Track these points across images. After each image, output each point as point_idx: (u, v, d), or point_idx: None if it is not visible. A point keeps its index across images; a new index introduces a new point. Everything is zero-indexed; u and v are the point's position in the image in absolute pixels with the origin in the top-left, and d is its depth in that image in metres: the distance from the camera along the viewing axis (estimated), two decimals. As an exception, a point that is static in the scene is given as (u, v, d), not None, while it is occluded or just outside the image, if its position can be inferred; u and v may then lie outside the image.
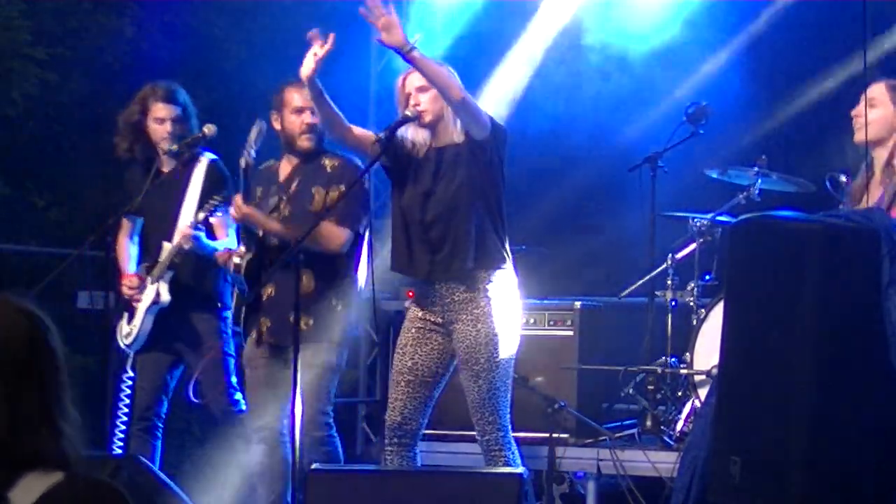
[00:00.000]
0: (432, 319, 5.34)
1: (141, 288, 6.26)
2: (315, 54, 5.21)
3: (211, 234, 6.20)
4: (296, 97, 5.84)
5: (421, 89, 5.30)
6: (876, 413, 4.30)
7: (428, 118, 5.31)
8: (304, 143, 5.92)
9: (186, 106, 6.33)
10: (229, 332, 6.29)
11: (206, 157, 6.29)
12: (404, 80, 5.39)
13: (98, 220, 6.49)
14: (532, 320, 6.79)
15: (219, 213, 6.09)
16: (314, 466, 5.30)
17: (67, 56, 9.28)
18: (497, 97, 8.14)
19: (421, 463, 5.51)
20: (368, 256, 5.79)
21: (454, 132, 5.31)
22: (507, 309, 5.28)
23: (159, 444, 6.34)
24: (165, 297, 6.21)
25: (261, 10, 9.70)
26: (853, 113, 5.51)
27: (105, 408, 6.28)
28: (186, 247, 6.10)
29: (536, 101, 8.30)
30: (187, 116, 6.32)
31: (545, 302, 6.94)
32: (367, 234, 5.88)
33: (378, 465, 5.95)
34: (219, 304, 6.30)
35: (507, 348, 5.26)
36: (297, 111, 5.88)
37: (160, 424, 6.34)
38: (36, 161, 9.38)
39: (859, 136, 5.43)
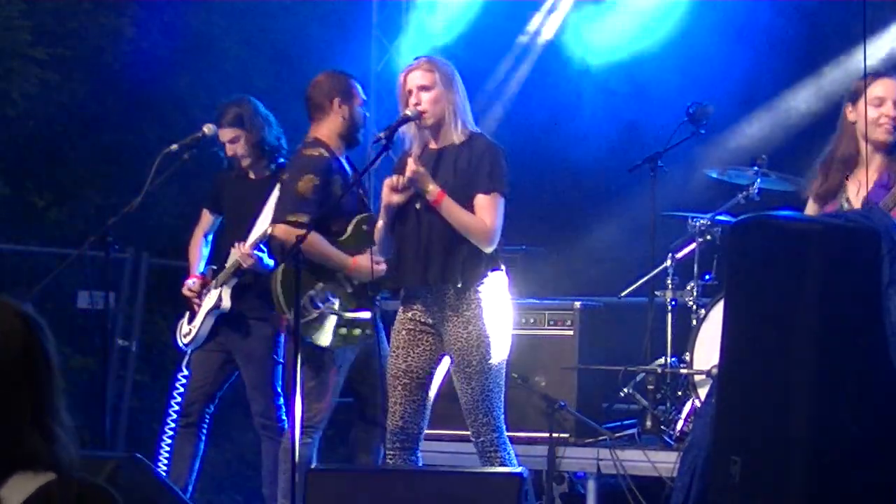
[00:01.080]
0: (422, 320, 5.27)
1: (203, 293, 6.28)
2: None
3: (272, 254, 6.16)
4: (360, 91, 5.99)
5: (422, 88, 5.20)
6: (876, 413, 4.30)
7: (430, 121, 5.23)
8: (360, 136, 6.02)
9: (244, 118, 6.27)
10: (281, 339, 6.23)
11: None
12: (406, 76, 5.27)
13: (98, 220, 6.49)
14: (532, 320, 6.78)
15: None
16: (314, 466, 5.29)
17: (67, 56, 9.28)
18: (498, 96, 8.15)
19: (422, 464, 5.50)
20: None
21: (454, 134, 5.26)
22: (499, 310, 5.21)
23: (202, 444, 6.31)
24: (226, 303, 6.21)
25: (260, 9, 9.69)
26: (883, 113, 5.25)
27: (105, 408, 6.27)
28: (246, 265, 6.11)
29: (537, 100, 8.30)
30: (254, 126, 6.27)
31: (545, 302, 6.93)
32: None
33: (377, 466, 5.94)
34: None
35: (500, 350, 5.20)
36: (363, 103, 6.01)
37: (204, 425, 6.31)
38: (36, 161, 9.37)
39: (885, 137, 5.26)
